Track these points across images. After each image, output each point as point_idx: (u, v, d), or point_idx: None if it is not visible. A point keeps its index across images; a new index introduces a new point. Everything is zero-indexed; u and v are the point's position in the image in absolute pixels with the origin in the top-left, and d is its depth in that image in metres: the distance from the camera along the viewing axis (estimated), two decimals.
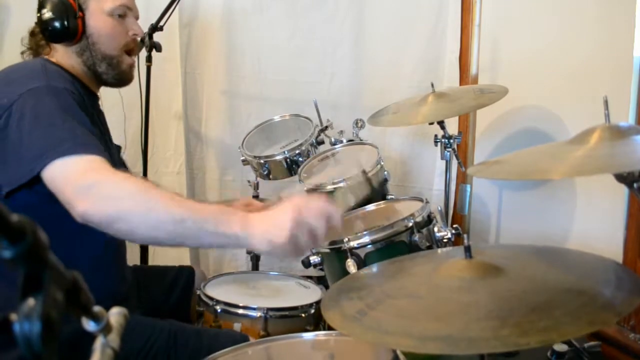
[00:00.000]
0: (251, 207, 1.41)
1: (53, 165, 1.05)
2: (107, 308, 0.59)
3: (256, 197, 2.12)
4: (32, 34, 1.36)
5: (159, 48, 2.05)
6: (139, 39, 1.44)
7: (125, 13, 1.38)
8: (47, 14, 1.28)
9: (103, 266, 1.32)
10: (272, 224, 0.98)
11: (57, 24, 1.29)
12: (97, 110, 1.38)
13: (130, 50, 1.41)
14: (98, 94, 1.43)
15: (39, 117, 1.11)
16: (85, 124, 1.16)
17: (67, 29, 1.29)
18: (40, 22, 1.31)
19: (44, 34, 1.32)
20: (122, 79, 1.41)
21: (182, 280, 1.67)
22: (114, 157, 1.38)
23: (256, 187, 2.12)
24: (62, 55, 1.34)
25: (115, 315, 0.60)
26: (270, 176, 1.99)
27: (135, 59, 1.45)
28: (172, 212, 1.00)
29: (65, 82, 1.22)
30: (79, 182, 1.03)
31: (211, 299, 1.51)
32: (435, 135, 1.83)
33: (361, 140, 1.94)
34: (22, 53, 1.38)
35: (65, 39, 1.31)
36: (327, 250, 1.43)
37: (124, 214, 1.01)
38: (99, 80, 1.39)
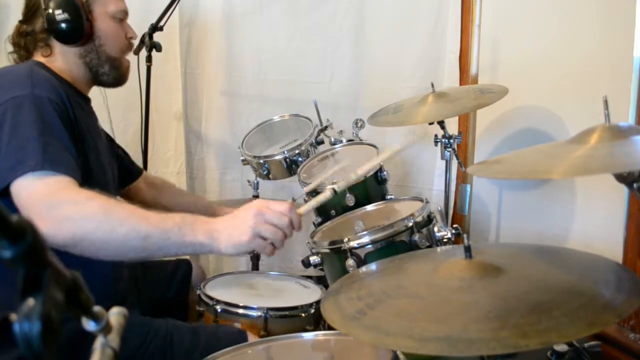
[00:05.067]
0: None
1: (21, 180, 1.05)
2: (105, 307, 0.59)
3: (256, 197, 2.12)
4: (26, 33, 1.33)
5: (159, 48, 2.06)
6: (134, 41, 1.47)
7: (123, 17, 1.41)
8: (60, 14, 1.28)
9: (99, 265, 1.31)
10: (234, 225, 1.03)
11: (70, 25, 1.29)
12: (87, 113, 1.38)
13: (127, 52, 1.45)
14: (89, 95, 1.43)
15: (17, 128, 1.11)
16: (62, 139, 1.14)
17: (80, 29, 1.31)
18: (50, 21, 1.29)
19: (55, 34, 1.30)
20: (120, 80, 1.44)
21: (180, 273, 1.69)
22: (104, 161, 1.38)
23: (256, 186, 2.12)
24: (60, 57, 1.34)
25: (115, 315, 0.60)
26: (270, 176, 1.99)
27: (131, 59, 1.48)
28: (137, 229, 1.02)
29: (51, 89, 1.20)
30: (42, 202, 1.04)
31: (211, 298, 1.51)
32: (435, 135, 1.83)
33: (361, 140, 1.94)
34: (10, 54, 1.37)
35: (77, 40, 1.32)
36: (327, 250, 1.43)
37: (88, 234, 1.01)
38: (96, 82, 1.40)
